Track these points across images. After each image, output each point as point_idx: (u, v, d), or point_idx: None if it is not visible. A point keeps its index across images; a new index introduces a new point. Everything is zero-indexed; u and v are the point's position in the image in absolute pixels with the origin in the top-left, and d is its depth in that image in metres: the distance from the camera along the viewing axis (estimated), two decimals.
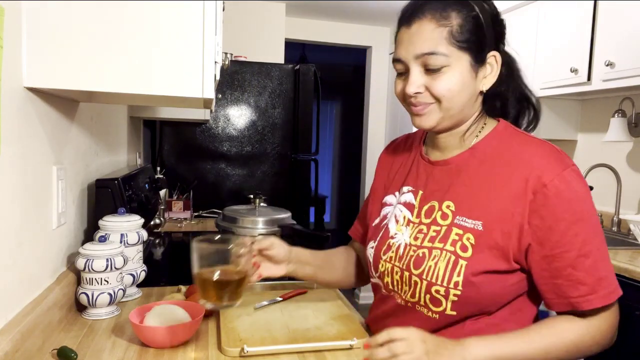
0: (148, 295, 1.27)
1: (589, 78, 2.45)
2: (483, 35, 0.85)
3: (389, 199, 1.02)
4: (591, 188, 2.62)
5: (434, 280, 0.85)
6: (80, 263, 1.08)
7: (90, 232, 1.31)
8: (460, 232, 0.85)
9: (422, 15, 0.84)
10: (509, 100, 0.94)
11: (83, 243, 1.23)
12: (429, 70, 0.84)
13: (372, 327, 1.06)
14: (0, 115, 0.80)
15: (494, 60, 0.88)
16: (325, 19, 4.02)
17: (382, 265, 0.96)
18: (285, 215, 1.56)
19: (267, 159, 2.93)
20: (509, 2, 3.07)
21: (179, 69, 0.94)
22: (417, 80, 0.85)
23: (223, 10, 1.48)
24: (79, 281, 1.13)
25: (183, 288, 1.22)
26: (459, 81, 0.84)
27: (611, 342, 0.86)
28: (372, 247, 1.00)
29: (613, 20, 2.32)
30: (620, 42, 2.27)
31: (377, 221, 1.02)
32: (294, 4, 3.63)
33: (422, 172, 0.97)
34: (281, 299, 1.20)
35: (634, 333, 1.75)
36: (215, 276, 0.89)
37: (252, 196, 1.63)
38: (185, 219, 2.46)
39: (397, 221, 0.96)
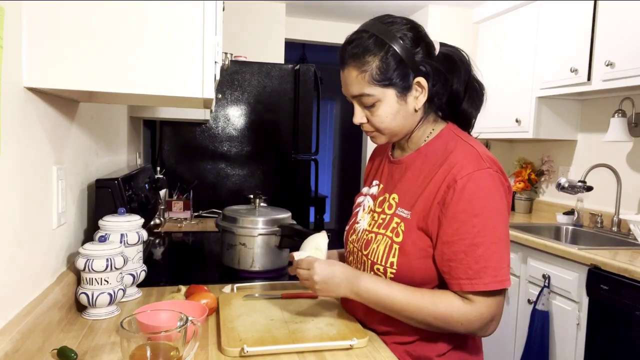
0: (148, 295, 1.28)
1: (589, 78, 2.45)
2: (403, 66, 0.94)
3: (365, 190, 1.17)
4: (591, 188, 2.64)
5: (375, 260, 1.01)
6: (80, 263, 1.08)
7: (90, 232, 1.31)
8: (398, 220, 1.00)
9: (346, 63, 0.98)
10: (459, 93, 1.03)
11: (83, 243, 1.24)
12: (366, 106, 0.98)
13: (341, 301, 1.18)
14: (0, 115, 0.80)
15: (418, 85, 0.97)
16: (325, 19, 4.02)
17: (349, 246, 1.13)
18: (285, 215, 1.56)
19: (267, 159, 2.92)
20: (509, 2, 3.08)
21: (179, 69, 0.94)
22: (358, 114, 1.01)
23: (223, 10, 1.48)
24: (79, 281, 1.13)
25: (183, 288, 1.22)
26: (391, 112, 0.98)
27: (483, 330, 0.95)
28: (345, 231, 1.17)
29: (613, 20, 2.32)
30: (620, 42, 2.26)
31: (354, 209, 1.18)
32: (294, 4, 3.63)
33: (386, 168, 1.12)
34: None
35: (634, 333, 1.76)
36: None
37: (252, 196, 1.63)
38: (185, 219, 2.46)
39: (364, 209, 1.12)
